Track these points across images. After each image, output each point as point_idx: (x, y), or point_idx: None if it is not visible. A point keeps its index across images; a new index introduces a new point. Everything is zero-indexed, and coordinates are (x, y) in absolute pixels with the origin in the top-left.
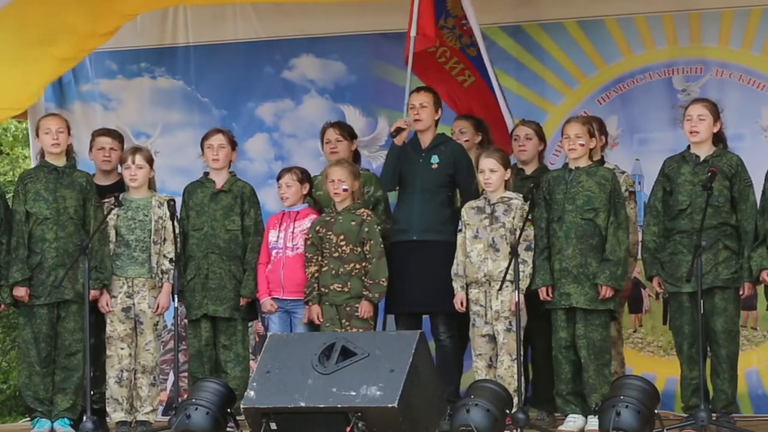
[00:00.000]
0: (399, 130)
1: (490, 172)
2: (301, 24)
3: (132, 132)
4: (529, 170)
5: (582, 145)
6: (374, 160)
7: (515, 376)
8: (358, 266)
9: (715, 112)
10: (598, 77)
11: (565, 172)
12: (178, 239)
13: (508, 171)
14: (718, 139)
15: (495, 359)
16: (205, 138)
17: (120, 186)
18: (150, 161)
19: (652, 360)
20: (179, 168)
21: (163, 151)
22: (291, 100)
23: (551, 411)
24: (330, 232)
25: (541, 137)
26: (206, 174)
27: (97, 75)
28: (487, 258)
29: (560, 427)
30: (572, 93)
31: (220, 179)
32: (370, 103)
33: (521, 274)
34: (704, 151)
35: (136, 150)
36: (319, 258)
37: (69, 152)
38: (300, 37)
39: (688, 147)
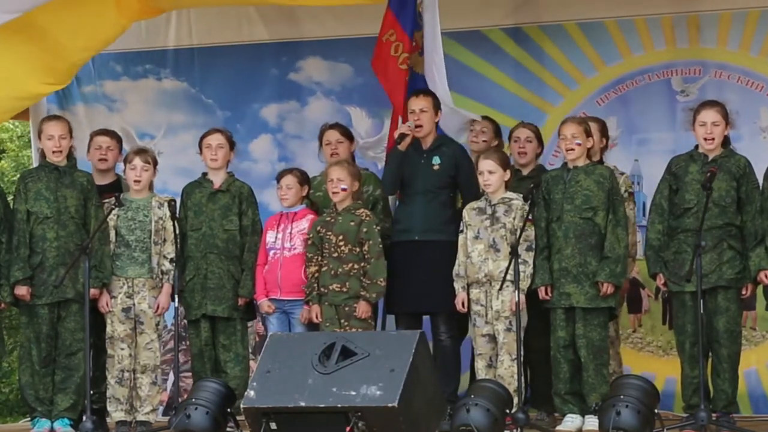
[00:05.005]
0: (403, 137)
1: (488, 173)
2: (308, 27)
3: (136, 133)
4: (526, 171)
5: (579, 144)
6: (380, 161)
7: (515, 376)
8: (356, 266)
9: (726, 115)
10: (597, 78)
11: (564, 171)
12: (178, 239)
13: (507, 172)
14: (725, 140)
15: (495, 359)
16: (203, 137)
17: (116, 186)
18: (155, 163)
19: (651, 360)
20: (183, 169)
21: (167, 152)
22: (296, 102)
23: (551, 411)
24: (330, 233)
25: (540, 140)
26: (204, 174)
27: (102, 77)
28: (488, 258)
29: (558, 427)
30: (571, 94)
31: (218, 179)
32: (376, 104)
33: (522, 274)
34: (713, 151)
35: (141, 151)
36: (319, 258)
37: (70, 154)
38: (307, 39)
39: (696, 147)
